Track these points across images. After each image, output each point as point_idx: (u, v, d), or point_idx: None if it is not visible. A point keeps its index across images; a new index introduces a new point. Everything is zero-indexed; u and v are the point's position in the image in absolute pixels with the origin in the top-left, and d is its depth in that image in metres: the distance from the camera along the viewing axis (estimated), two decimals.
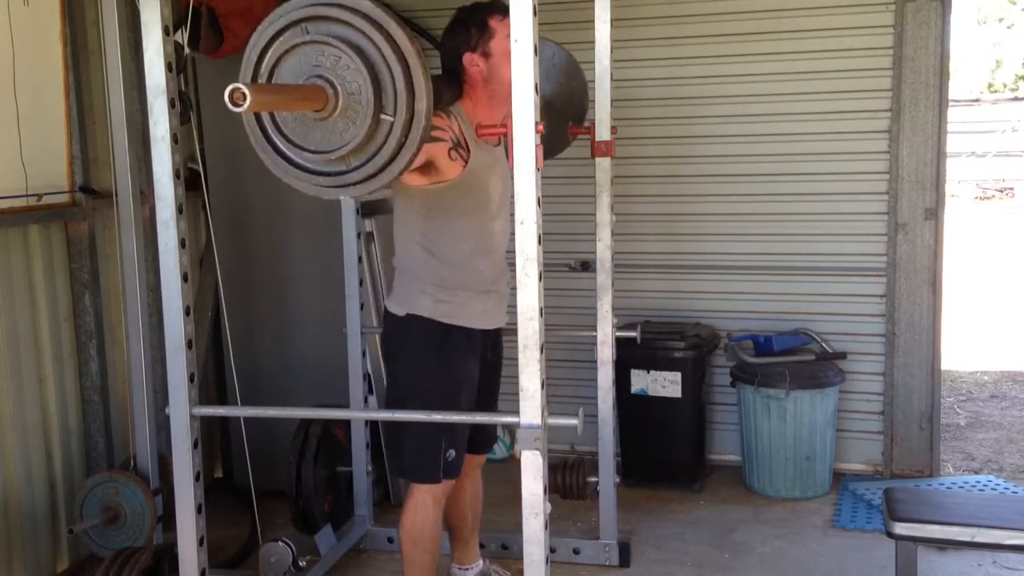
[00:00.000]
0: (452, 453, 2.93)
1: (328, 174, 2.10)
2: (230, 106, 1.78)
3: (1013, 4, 23.14)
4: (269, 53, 2.06)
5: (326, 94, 1.99)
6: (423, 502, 2.95)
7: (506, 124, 2.10)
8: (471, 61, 2.80)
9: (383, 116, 2.01)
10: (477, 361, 2.99)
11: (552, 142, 3.55)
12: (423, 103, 2.02)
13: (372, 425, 4.03)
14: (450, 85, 2.82)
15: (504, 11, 2.78)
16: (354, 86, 2.00)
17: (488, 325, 3.01)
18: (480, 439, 3.19)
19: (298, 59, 2.04)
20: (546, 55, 3.49)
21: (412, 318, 2.91)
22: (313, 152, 2.08)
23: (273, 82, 2.06)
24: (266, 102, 1.92)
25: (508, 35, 2.76)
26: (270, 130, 2.11)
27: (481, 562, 3.42)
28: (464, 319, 2.92)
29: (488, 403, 3.14)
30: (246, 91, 1.77)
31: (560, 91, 3.52)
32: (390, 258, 4.38)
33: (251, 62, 2.08)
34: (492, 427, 3.29)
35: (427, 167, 2.68)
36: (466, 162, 2.77)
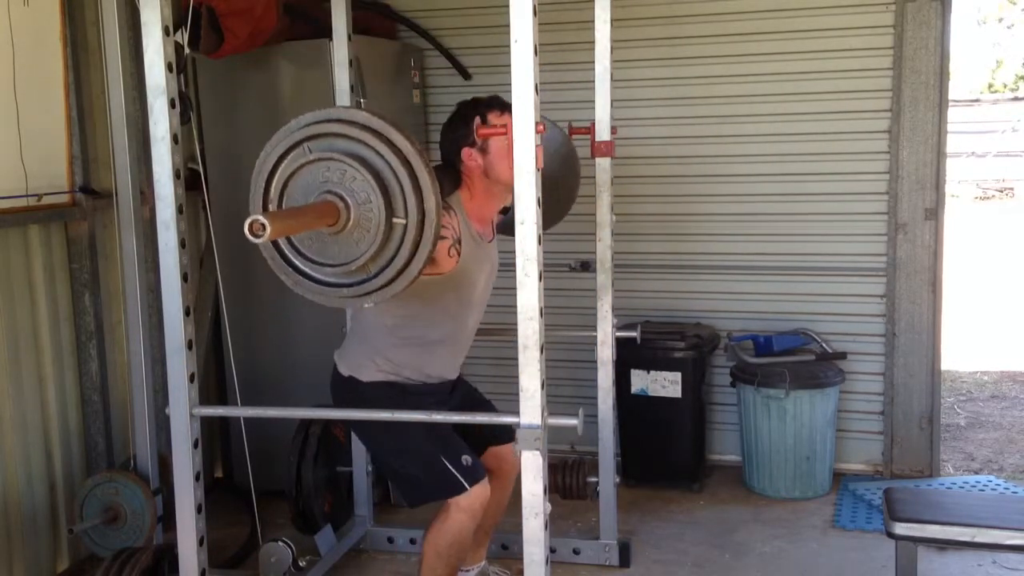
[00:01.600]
0: (468, 459, 2.89)
1: (350, 285, 2.15)
2: (251, 238, 1.83)
3: (1013, 4, 23.14)
4: (277, 176, 2.12)
5: (338, 209, 2.05)
6: (456, 517, 2.88)
7: (506, 124, 2.11)
8: (469, 155, 2.83)
9: (395, 220, 2.07)
10: (431, 399, 2.98)
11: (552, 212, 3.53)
12: (431, 201, 2.07)
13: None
14: (449, 176, 2.86)
15: (503, 107, 2.83)
16: (363, 196, 2.06)
17: (434, 380, 3.01)
18: (497, 431, 3.13)
19: (306, 178, 2.10)
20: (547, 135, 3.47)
21: (351, 380, 2.95)
22: (333, 266, 2.14)
23: (284, 202, 2.12)
24: (284, 228, 1.97)
25: (506, 131, 2.82)
26: (288, 252, 2.16)
27: (483, 562, 3.42)
28: (405, 378, 2.94)
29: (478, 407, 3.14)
30: (265, 222, 1.82)
31: (554, 170, 3.49)
32: None
33: (260, 188, 2.15)
34: (488, 430, 3.25)
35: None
36: (459, 256, 2.79)
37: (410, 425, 2.86)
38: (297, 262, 2.18)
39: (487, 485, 2.93)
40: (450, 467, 2.87)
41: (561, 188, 3.53)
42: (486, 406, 3.18)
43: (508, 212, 3.05)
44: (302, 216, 2.04)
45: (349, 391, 2.97)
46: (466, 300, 2.92)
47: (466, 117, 2.84)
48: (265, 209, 2.14)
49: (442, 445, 2.88)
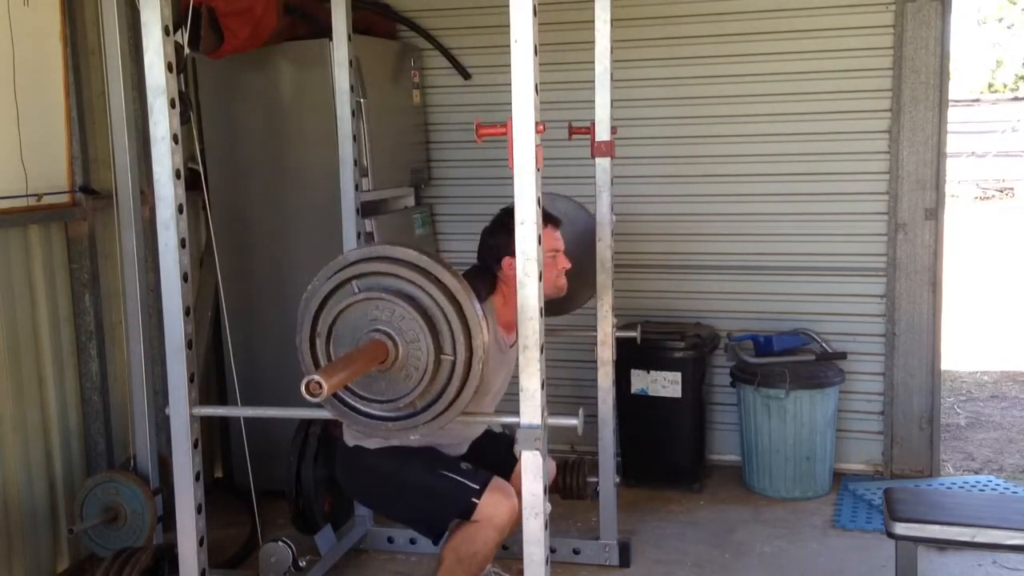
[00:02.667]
0: (467, 465, 2.91)
1: (397, 419, 2.17)
2: (307, 397, 1.86)
3: (1013, 4, 23.14)
4: (323, 313, 2.15)
5: (387, 348, 2.08)
6: (484, 530, 2.85)
7: (507, 125, 2.10)
8: (510, 264, 2.84)
9: (444, 357, 2.09)
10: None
11: (582, 292, 3.59)
12: (480, 338, 2.09)
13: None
14: (484, 280, 2.91)
15: (547, 219, 2.88)
16: (412, 334, 2.08)
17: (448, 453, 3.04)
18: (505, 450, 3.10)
19: (354, 315, 2.13)
20: (559, 209, 3.46)
21: (360, 449, 2.99)
22: (380, 402, 2.16)
23: (332, 337, 2.15)
24: (340, 381, 1.99)
25: (551, 244, 2.90)
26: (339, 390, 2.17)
27: (487, 566, 3.42)
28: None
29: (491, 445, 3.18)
30: (321, 380, 1.86)
31: (580, 250, 3.52)
32: None
33: (307, 323, 2.16)
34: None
35: None
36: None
37: (408, 467, 2.90)
38: (345, 396, 2.21)
39: (513, 496, 2.88)
40: (452, 475, 2.88)
41: (590, 272, 3.55)
42: (502, 438, 3.22)
43: None
44: (354, 363, 2.06)
45: (356, 459, 3.02)
46: (476, 403, 2.92)
47: (509, 226, 2.83)
48: (313, 345, 2.17)
49: (440, 463, 2.92)
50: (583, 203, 3.67)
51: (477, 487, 2.86)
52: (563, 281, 3.09)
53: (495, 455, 3.07)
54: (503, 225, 2.90)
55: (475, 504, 2.85)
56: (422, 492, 2.93)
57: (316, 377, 1.87)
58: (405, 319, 2.07)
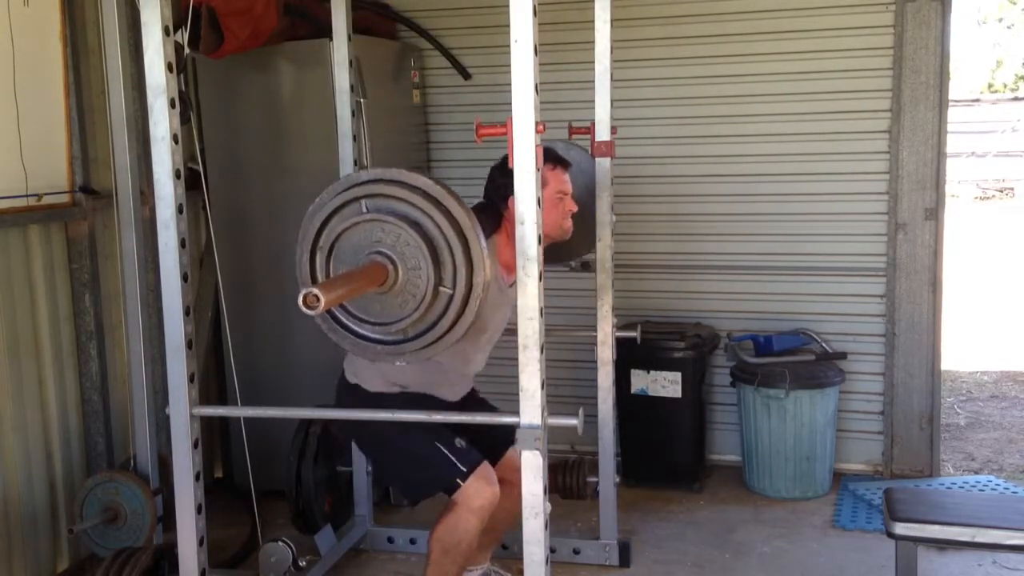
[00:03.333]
0: (462, 442, 2.91)
1: (386, 343, 2.15)
2: (304, 310, 1.84)
3: (1013, 4, 23.13)
4: (327, 229, 2.12)
5: (387, 271, 2.06)
6: (465, 516, 2.88)
7: (507, 125, 2.10)
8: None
9: (442, 289, 2.07)
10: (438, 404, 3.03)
11: (584, 242, 3.58)
12: (481, 276, 2.08)
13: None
14: (488, 217, 2.89)
15: (558, 161, 2.93)
16: (414, 261, 2.06)
17: (445, 397, 3.06)
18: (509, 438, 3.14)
19: (358, 235, 2.10)
20: (581, 161, 3.49)
21: (358, 388, 3.00)
22: (373, 324, 2.14)
23: (334, 254, 2.13)
24: (337, 298, 1.97)
25: (559, 186, 2.90)
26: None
27: (486, 564, 3.42)
28: (409, 390, 2.97)
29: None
30: (319, 294, 1.84)
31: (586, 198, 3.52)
32: None
33: (310, 236, 2.14)
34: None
35: None
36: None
37: (409, 426, 2.86)
38: (338, 313, 2.18)
39: (494, 484, 2.92)
40: (444, 450, 2.88)
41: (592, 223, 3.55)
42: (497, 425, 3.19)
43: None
44: (353, 282, 2.05)
45: (352, 397, 3.00)
46: (475, 338, 2.94)
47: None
48: (313, 259, 2.15)
49: (435, 433, 2.90)
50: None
51: (465, 469, 2.87)
52: (569, 224, 3.08)
53: (489, 437, 3.06)
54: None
55: (459, 485, 2.87)
56: (412, 457, 2.93)
57: (315, 290, 1.85)
58: (409, 245, 2.05)
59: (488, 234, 2.87)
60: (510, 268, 2.92)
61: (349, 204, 2.12)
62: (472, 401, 3.20)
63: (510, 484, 3.09)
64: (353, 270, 2.09)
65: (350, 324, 2.17)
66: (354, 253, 2.11)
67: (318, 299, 1.84)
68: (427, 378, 2.99)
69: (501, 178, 2.93)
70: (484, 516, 2.90)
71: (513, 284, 2.99)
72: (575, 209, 3.11)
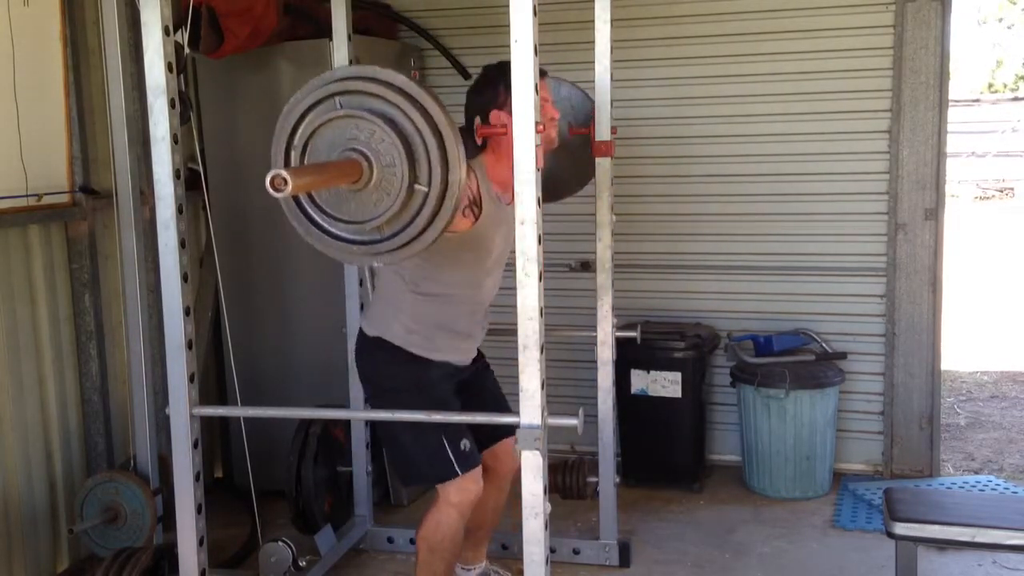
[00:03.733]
0: (467, 444, 2.91)
1: (361, 243, 2.13)
2: (271, 192, 1.82)
3: (1013, 4, 23.13)
4: (303, 126, 2.10)
5: (361, 167, 2.03)
6: (446, 511, 2.92)
7: (507, 125, 2.11)
8: (497, 118, 2.82)
9: (417, 187, 2.04)
10: (451, 383, 3.01)
11: (575, 178, 3.58)
12: (457, 174, 2.05)
13: (372, 425, 4.03)
14: (473, 138, 2.85)
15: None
16: (388, 158, 2.03)
17: (455, 361, 3.03)
18: (496, 430, 3.13)
19: (333, 132, 2.07)
20: (562, 95, 3.50)
21: (379, 340, 2.96)
22: (347, 222, 2.11)
23: (308, 152, 2.10)
24: (306, 184, 1.95)
25: (506, 132, 2.71)
26: (304, 202, 2.14)
27: (484, 562, 3.42)
28: (431, 353, 2.94)
29: (487, 401, 3.14)
30: (287, 176, 1.81)
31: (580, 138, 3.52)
32: None
33: (284, 133, 2.12)
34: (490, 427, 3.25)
35: None
36: (476, 218, 2.79)
37: (422, 399, 2.87)
38: (312, 212, 2.14)
39: (480, 481, 2.96)
40: (447, 448, 2.88)
41: (585, 154, 3.54)
42: (501, 403, 3.19)
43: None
44: (324, 173, 2.02)
45: (377, 349, 2.96)
46: (482, 261, 2.93)
47: (494, 81, 2.83)
48: (287, 157, 2.12)
49: (445, 424, 2.89)
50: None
51: (460, 472, 2.89)
52: (553, 133, 3.01)
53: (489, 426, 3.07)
54: (489, 80, 2.86)
55: (449, 482, 2.90)
56: (418, 444, 2.92)
57: (283, 172, 1.81)
58: (384, 142, 2.03)
59: (475, 155, 2.85)
60: (504, 186, 2.89)
61: (324, 101, 2.10)
62: (480, 371, 3.17)
63: (493, 474, 3.11)
64: (326, 162, 2.07)
65: (324, 223, 2.14)
66: (328, 151, 2.09)
67: (285, 182, 1.80)
68: (444, 312, 2.94)
69: (477, 97, 2.88)
70: (465, 511, 2.94)
71: (511, 203, 2.96)
72: (556, 115, 3.05)
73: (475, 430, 3.03)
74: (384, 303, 3.01)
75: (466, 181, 2.60)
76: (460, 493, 2.91)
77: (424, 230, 2.07)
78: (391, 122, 2.03)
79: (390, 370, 2.95)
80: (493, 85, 2.84)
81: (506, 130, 2.84)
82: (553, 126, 2.99)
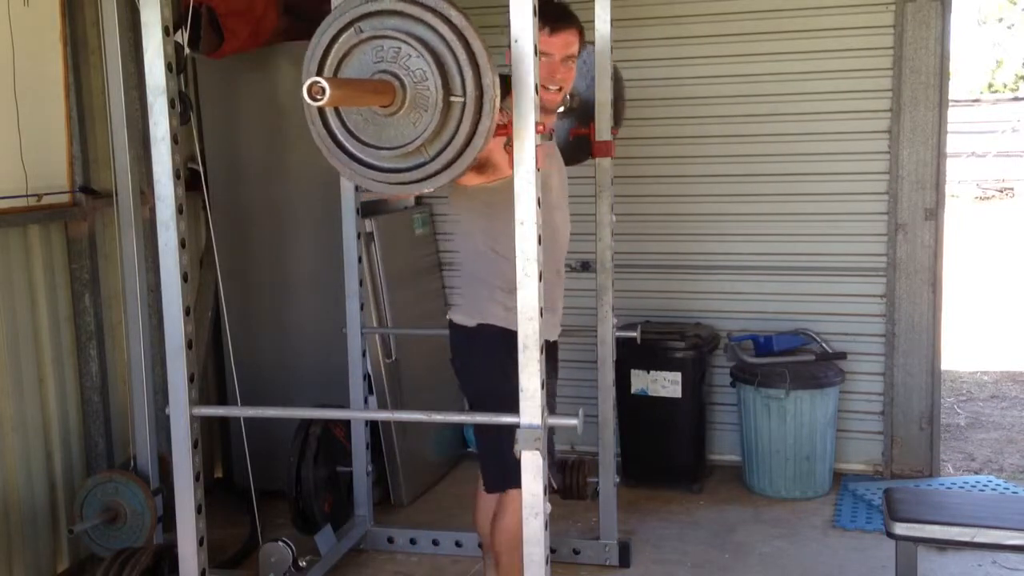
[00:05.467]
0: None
1: (407, 169, 2.07)
2: (308, 100, 1.76)
3: (1013, 4, 23.15)
4: (329, 59, 2.06)
5: (393, 87, 1.98)
6: (517, 512, 2.87)
7: (509, 122, 2.10)
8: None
9: (453, 98, 1.99)
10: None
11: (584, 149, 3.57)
12: (489, 77, 2.00)
13: (372, 425, 4.03)
14: (505, 81, 2.83)
15: (554, 24, 2.80)
16: (419, 73, 1.99)
17: (546, 336, 2.96)
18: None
19: (358, 59, 2.04)
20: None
21: (483, 327, 2.84)
22: (389, 149, 2.06)
23: None
24: (342, 96, 1.89)
25: (566, 50, 2.84)
26: (340, 136, 2.08)
27: None
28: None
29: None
30: (325, 85, 1.76)
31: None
32: (390, 258, 4.42)
33: (311, 74, 2.06)
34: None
35: (484, 164, 2.65)
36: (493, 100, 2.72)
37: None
38: (350, 146, 2.09)
39: None
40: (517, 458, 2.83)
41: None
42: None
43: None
44: (360, 87, 1.97)
45: (485, 338, 2.84)
46: (543, 196, 2.85)
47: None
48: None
49: (509, 430, 2.82)
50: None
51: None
52: (559, 97, 2.90)
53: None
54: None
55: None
56: (502, 443, 2.76)
57: (321, 80, 1.77)
58: (412, 58, 1.99)
59: (505, 95, 2.82)
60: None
61: (345, 31, 2.06)
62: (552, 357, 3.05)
63: None
64: (361, 78, 2.03)
65: (367, 159, 2.08)
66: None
67: (323, 91, 1.76)
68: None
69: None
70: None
71: (547, 131, 2.85)
72: (570, 77, 2.95)
73: None
74: (475, 285, 2.88)
75: (503, 116, 2.53)
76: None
77: (468, 142, 2.02)
78: (415, 37, 1.99)
79: (492, 368, 2.78)
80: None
81: (508, 126, 2.87)
82: (567, 86, 2.90)
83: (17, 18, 3.39)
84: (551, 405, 3.06)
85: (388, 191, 2.16)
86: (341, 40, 2.05)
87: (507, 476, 2.80)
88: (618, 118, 3.66)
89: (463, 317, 2.90)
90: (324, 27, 2.08)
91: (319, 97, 1.76)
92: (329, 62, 2.06)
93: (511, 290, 2.83)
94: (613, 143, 3.51)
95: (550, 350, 3.05)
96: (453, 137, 2.02)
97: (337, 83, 1.85)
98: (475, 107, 2.00)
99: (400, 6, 2.00)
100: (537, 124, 2.07)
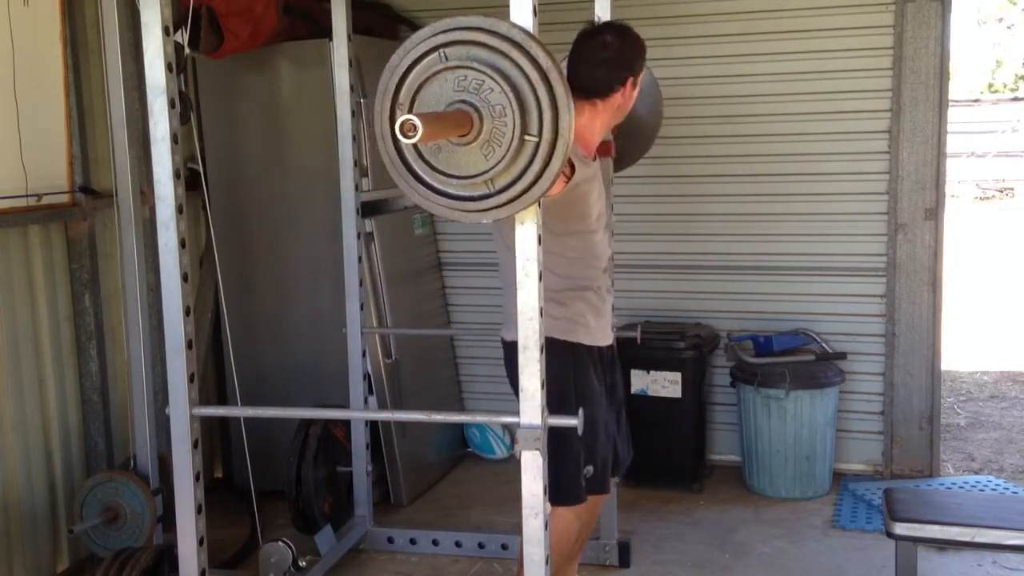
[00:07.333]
0: (590, 470, 2.85)
1: (471, 199, 2.08)
2: (401, 138, 1.78)
3: (1013, 4, 23.14)
4: (408, 80, 2.05)
5: (472, 118, 1.99)
6: (570, 525, 2.89)
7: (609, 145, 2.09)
8: (621, 92, 2.85)
9: (527, 137, 2.00)
10: (602, 384, 2.94)
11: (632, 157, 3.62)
12: (566, 121, 2.00)
13: (372, 425, 4.03)
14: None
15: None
16: (499, 109, 1.99)
17: (602, 342, 2.96)
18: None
19: (439, 85, 2.03)
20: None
21: (577, 346, 2.85)
22: (458, 178, 2.06)
23: (415, 109, 2.05)
24: (432, 132, 1.90)
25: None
26: (410, 159, 2.08)
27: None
28: (585, 337, 2.86)
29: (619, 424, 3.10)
30: (417, 123, 1.77)
31: (646, 110, 3.53)
32: (390, 258, 4.42)
33: (390, 91, 2.05)
34: (624, 449, 3.17)
35: None
36: (569, 179, 2.71)
37: (595, 404, 2.83)
38: (419, 170, 2.08)
39: (599, 499, 3.00)
40: (580, 470, 2.84)
41: (646, 126, 3.57)
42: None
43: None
44: (445, 121, 1.97)
45: (580, 357, 2.86)
46: (585, 217, 2.86)
47: (632, 66, 2.90)
48: (393, 115, 2.06)
49: (587, 444, 2.82)
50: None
51: (584, 500, 2.86)
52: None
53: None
54: (626, 60, 2.90)
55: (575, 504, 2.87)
56: (575, 451, 2.84)
57: (414, 118, 1.77)
58: (494, 92, 1.98)
59: None
60: (585, 144, 2.86)
61: (428, 55, 2.04)
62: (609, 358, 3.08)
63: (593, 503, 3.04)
64: (443, 112, 2.02)
65: (433, 183, 2.07)
66: (436, 106, 2.04)
67: (415, 128, 1.76)
68: (589, 269, 2.90)
69: (602, 72, 2.87)
70: (581, 512, 2.93)
71: (596, 159, 2.93)
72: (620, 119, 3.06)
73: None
74: (555, 303, 2.81)
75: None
76: (585, 509, 2.90)
77: (534, 182, 2.02)
78: (499, 71, 1.98)
79: (560, 387, 2.72)
80: (629, 67, 2.89)
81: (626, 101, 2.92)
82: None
83: (17, 18, 3.39)
84: (618, 401, 3.12)
85: (442, 214, 2.16)
86: (424, 63, 2.04)
87: (567, 492, 2.83)
88: (654, 133, 3.64)
89: (564, 335, 2.87)
90: (408, 47, 2.05)
91: (411, 135, 1.77)
92: (408, 83, 2.05)
93: (567, 288, 2.85)
94: (613, 143, 3.51)
95: (613, 353, 3.12)
96: (522, 175, 2.02)
97: (427, 120, 1.84)
98: (548, 149, 2.00)
99: (487, 39, 1.99)
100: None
